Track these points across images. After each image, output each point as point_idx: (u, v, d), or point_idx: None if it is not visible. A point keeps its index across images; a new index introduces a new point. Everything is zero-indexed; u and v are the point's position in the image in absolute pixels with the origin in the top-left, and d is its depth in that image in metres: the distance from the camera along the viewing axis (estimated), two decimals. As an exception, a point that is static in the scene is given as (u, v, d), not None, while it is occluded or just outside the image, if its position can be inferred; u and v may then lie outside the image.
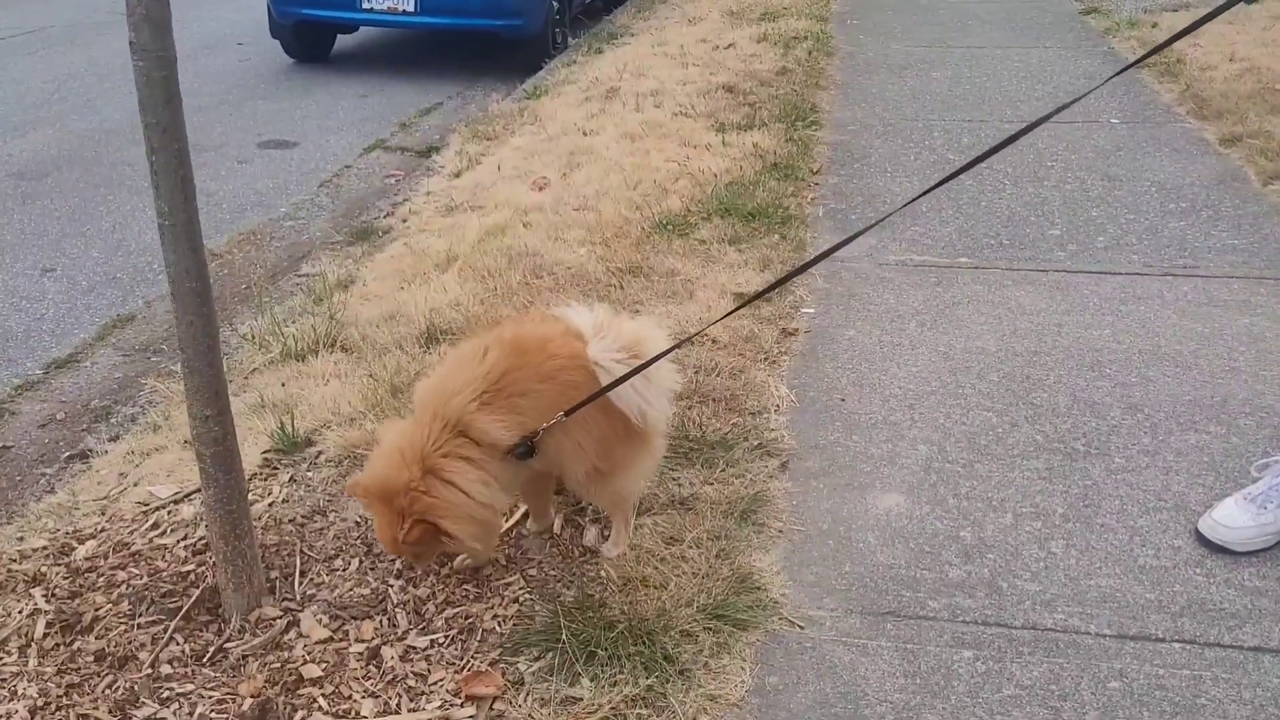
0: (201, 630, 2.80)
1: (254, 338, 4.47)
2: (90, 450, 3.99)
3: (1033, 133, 6.20)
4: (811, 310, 4.50)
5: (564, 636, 2.61)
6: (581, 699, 2.48)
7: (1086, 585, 2.86)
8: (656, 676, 2.52)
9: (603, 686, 2.50)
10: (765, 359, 4.06)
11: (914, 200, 2.79)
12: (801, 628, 2.74)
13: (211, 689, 2.59)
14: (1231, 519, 2.96)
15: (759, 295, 3.34)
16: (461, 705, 2.49)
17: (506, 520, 3.15)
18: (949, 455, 3.47)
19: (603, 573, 2.91)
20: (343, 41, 10.78)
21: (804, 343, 4.24)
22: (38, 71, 9.63)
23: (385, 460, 2.65)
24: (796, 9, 10.69)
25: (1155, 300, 4.48)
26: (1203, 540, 2.99)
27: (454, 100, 9.19)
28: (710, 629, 2.69)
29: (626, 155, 6.52)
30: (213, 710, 2.52)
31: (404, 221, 6.01)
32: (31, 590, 3.00)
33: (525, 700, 2.50)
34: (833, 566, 2.97)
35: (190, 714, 2.51)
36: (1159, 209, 5.49)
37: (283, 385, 3.96)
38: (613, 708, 2.44)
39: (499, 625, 2.74)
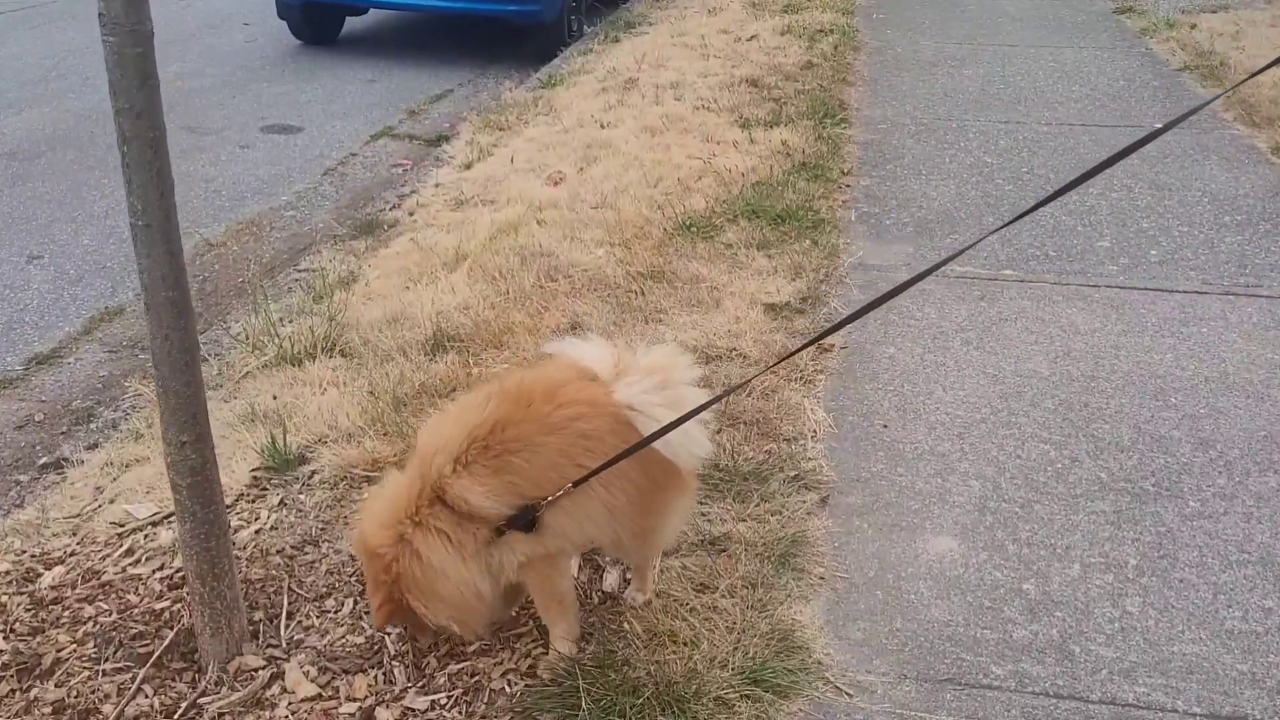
0: (174, 680, 2.49)
1: (248, 339, 4.16)
2: (66, 459, 3.68)
3: (1074, 137, 5.88)
4: (845, 316, 4.17)
5: (583, 703, 2.30)
6: (602, 781, 2.17)
7: (1169, 652, 2.55)
8: (689, 757, 2.20)
9: (627, 766, 2.19)
10: (800, 378, 3.74)
11: (987, 234, 2.42)
12: (850, 695, 2.43)
13: (182, 753, 2.28)
14: None
15: (812, 342, 2.87)
16: (465, 782, 2.18)
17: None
18: (1005, 493, 3.15)
19: (625, 625, 2.59)
20: (351, 24, 10.43)
21: (840, 360, 3.93)
22: (36, 47, 9.31)
23: (376, 513, 2.35)
24: (820, 1, 10.33)
25: (1218, 322, 4.16)
26: None
27: (465, 88, 8.85)
28: (748, 696, 2.37)
29: (646, 150, 6.20)
30: (181, 782, 2.22)
31: (411, 215, 5.69)
32: (-10, 622, 2.70)
33: (538, 777, 2.19)
34: (882, 622, 2.66)
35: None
36: (1213, 221, 5.16)
37: (274, 398, 3.64)
38: (639, 792, 2.13)
39: (509, 685, 2.43)
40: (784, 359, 3.08)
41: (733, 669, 2.44)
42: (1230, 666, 2.50)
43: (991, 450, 3.37)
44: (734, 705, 2.35)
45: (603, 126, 6.72)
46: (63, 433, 3.97)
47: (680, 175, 5.69)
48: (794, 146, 6.13)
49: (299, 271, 5.13)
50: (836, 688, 2.44)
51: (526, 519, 2.23)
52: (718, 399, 2.35)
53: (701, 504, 3.02)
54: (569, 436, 2.24)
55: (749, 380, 2.78)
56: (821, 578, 2.80)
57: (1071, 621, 2.65)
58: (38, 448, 3.89)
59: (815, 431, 3.44)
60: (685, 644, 2.52)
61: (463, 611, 2.31)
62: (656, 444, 2.22)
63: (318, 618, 2.67)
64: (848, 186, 5.73)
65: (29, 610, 2.74)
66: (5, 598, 2.78)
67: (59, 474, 3.58)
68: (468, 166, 6.41)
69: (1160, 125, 2.01)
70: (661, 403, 2.26)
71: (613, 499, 2.30)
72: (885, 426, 3.50)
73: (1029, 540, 2.95)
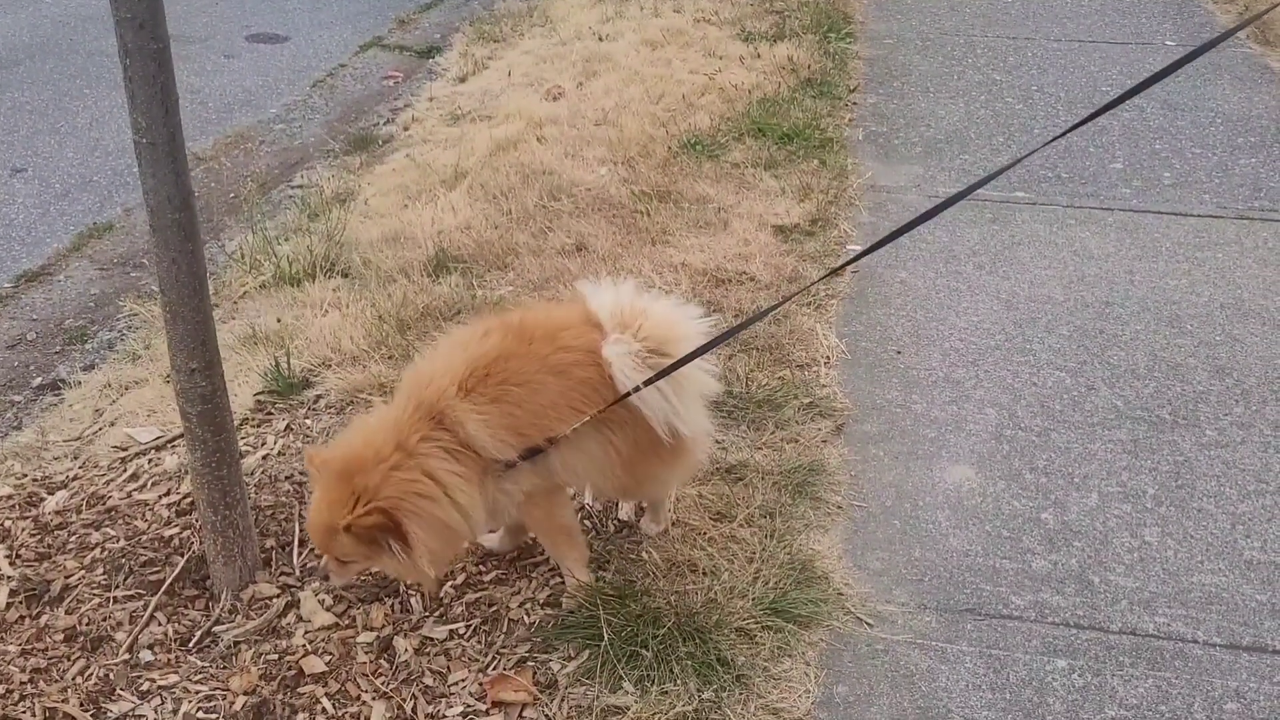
0: (187, 608, 2.45)
1: (244, 257, 4.06)
2: (62, 380, 3.60)
3: (1085, 55, 5.74)
4: (858, 247, 4.10)
5: (605, 633, 2.28)
6: (626, 709, 2.16)
7: (1188, 583, 2.54)
8: (713, 688, 2.19)
9: (650, 696, 2.17)
10: (811, 303, 3.68)
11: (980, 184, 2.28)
12: (870, 625, 2.41)
13: (198, 682, 2.25)
14: None
15: (825, 277, 2.78)
16: (487, 713, 2.17)
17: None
18: (1021, 421, 3.12)
19: (644, 554, 2.56)
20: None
21: (852, 284, 3.86)
22: (8, -52, 8.95)
23: (354, 436, 2.19)
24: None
25: (1233, 247, 4.10)
26: None
27: (457, -4, 8.57)
28: (769, 626, 2.36)
29: (647, 65, 6.03)
30: (199, 708, 2.19)
31: (405, 130, 5.54)
32: (-6, 547, 2.65)
33: (560, 707, 2.18)
34: (901, 551, 2.64)
35: (174, 712, 2.18)
36: (1226, 143, 5.07)
37: (279, 321, 3.55)
38: (663, 723, 2.12)
39: (527, 615, 2.41)
40: (780, 303, 2.95)
41: (753, 599, 2.41)
42: (1250, 597, 2.50)
43: (1007, 377, 3.32)
44: (755, 635, 2.33)
45: (601, 39, 6.53)
46: (57, 352, 3.89)
47: (683, 91, 5.54)
48: (799, 62, 5.97)
49: (292, 188, 5.00)
50: (857, 618, 2.43)
51: (534, 452, 2.17)
52: (693, 356, 2.21)
53: (717, 431, 2.96)
54: (569, 381, 2.19)
55: (746, 323, 2.58)
56: (839, 506, 2.77)
57: (1090, 551, 2.63)
58: (31, 368, 3.81)
59: (829, 358, 3.39)
60: (705, 574, 2.49)
61: (449, 546, 2.20)
62: (637, 402, 2.19)
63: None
64: (855, 104, 5.60)
65: (34, 536, 2.69)
66: (10, 522, 2.73)
67: (56, 395, 3.51)
68: (462, 80, 6.24)
69: (1171, 43, 1.90)
70: (640, 363, 2.18)
71: (615, 445, 2.25)
72: (899, 352, 3.45)
73: (1046, 469, 2.92)
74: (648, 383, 2.17)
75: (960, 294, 3.80)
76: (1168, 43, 6.53)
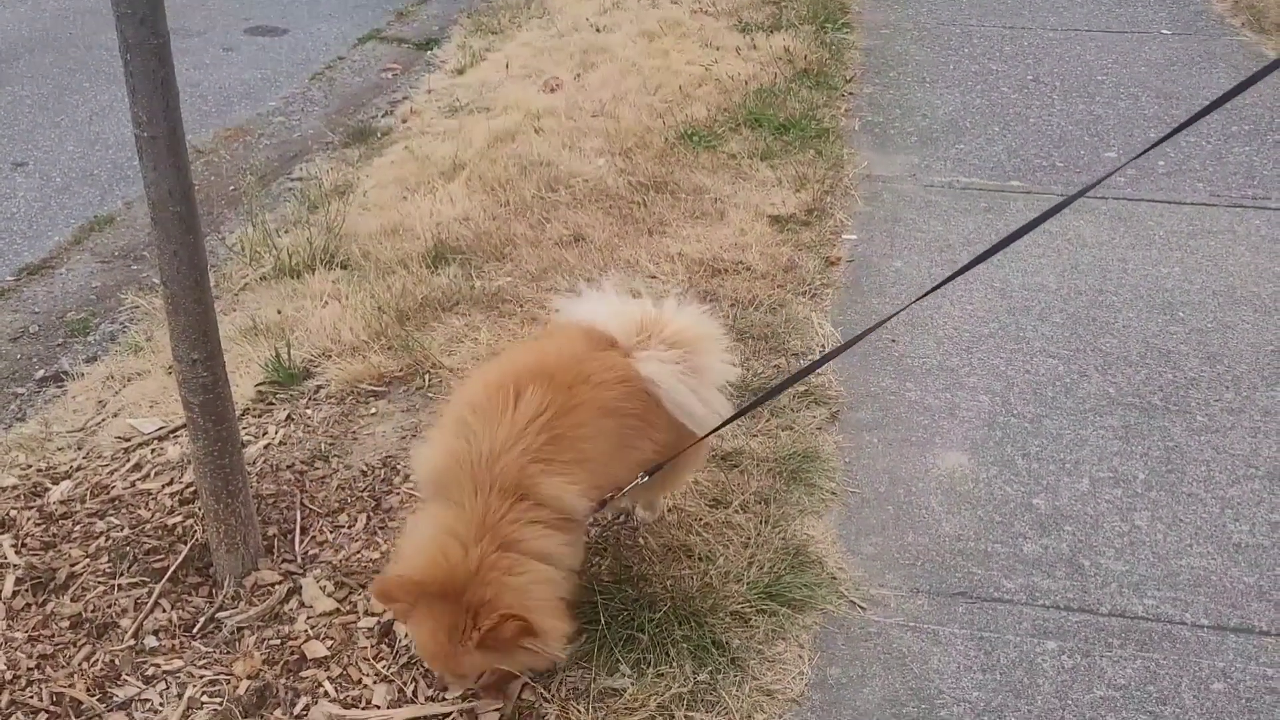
0: (190, 595, 2.49)
1: (244, 250, 4.09)
2: (65, 372, 3.64)
3: (1081, 44, 5.74)
4: (854, 236, 4.13)
5: (601, 618, 2.31)
6: (623, 692, 2.20)
7: (1177, 566, 2.58)
8: (708, 670, 2.22)
9: (647, 679, 2.21)
10: (807, 291, 3.71)
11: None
12: (863, 609, 2.45)
13: (203, 667, 2.29)
14: None
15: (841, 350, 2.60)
16: (486, 695, 2.20)
17: None
18: (1014, 408, 3.15)
19: (641, 540, 2.60)
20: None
21: (847, 273, 3.89)
22: (6, -57, 8.96)
23: (426, 547, 2.00)
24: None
25: (1226, 235, 4.13)
26: None
27: (454, -12, 8.58)
28: (763, 610, 2.39)
29: (644, 56, 6.05)
30: (204, 693, 2.23)
31: (404, 122, 5.57)
32: (0, 538, 2.68)
33: (558, 689, 2.22)
34: (894, 537, 2.67)
35: (179, 696, 2.22)
36: (1221, 132, 5.09)
37: (279, 312, 3.59)
38: (659, 705, 2.15)
39: (526, 599, 2.44)
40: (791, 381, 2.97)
41: (747, 583, 2.45)
42: (1238, 579, 2.53)
43: (1000, 364, 3.36)
44: (750, 619, 2.37)
45: (598, 31, 6.54)
46: (59, 345, 3.92)
47: (680, 82, 5.56)
48: (795, 52, 5.99)
49: (292, 180, 5.03)
50: (850, 601, 2.47)
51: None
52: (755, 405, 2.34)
53: (712, 419, 3.02)
54: (623, 419, 2.14)
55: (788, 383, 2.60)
56: (833, 493, 2.81)
57: (1081, 535, 2.67)
58: (34, 360, 3.84)
59: (824, 346, 3.42)
60: (700, 559, 2.53)
61: (564, 610, 2.07)
62: (685, 419, 2.22)
63: (331, 533, 2.66)
64: (851, 94, 5.62)
65: (39, 525, 2.73)
66: (15, 512, 2.77)
67: (59, 387, 3.54)
68: (460, 72, 6.26)
69: (1167, 31, 1.92)
70: (683, 378, 2.18)
71: (655, 455, 2.25)
72: (893, 341, 3.49)
73: (1038, 455, 2.96)
74: (728, 421, 2.29)
75: (954, 282, 3.81)
76: (1163, 31, 6.55)
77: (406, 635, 2.34)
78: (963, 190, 4.54)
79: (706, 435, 2.30)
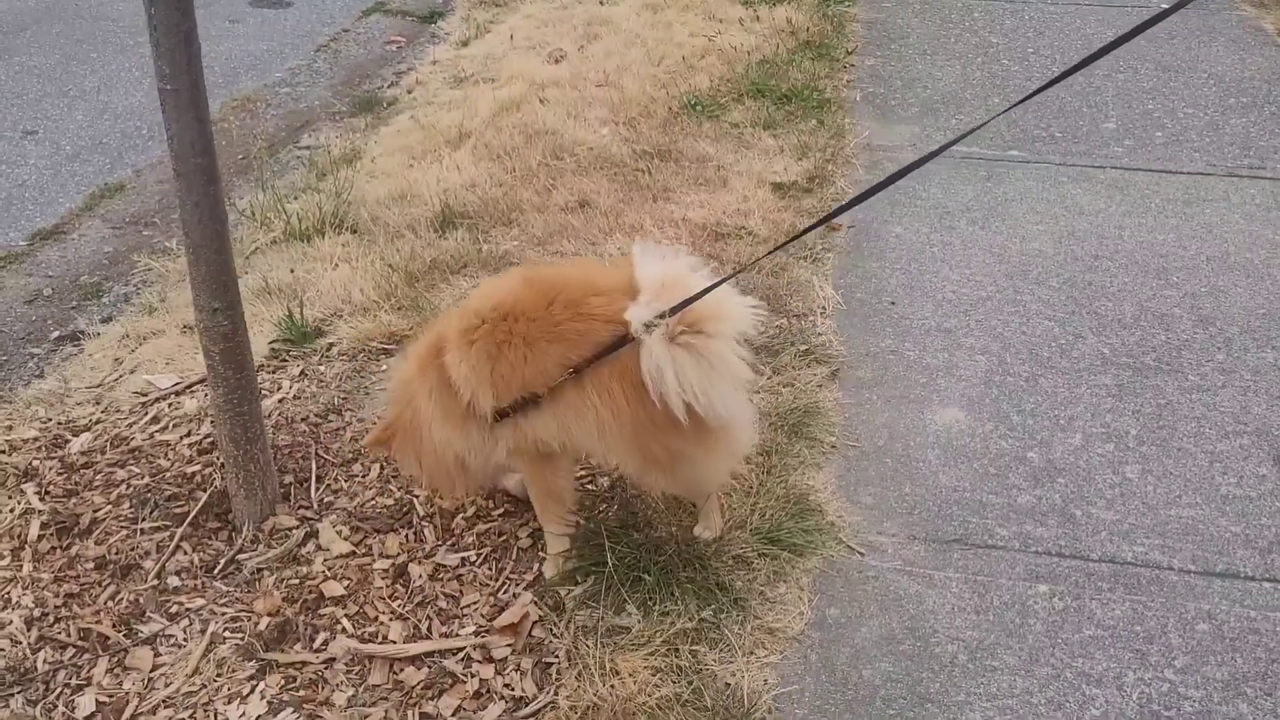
0: (210, 539, 2.57)
1: (255, 214, 4.15)
2: (81, 332, 3.71)
3: (1081, 18, 5.78)
4: (853, 198, 4.18)
5: (609, 560, 2.40)
6: (629, 629, 2.28)
7: (1166, 515, 2.66)
8: (712, 609, 2.31)
9: (653, 617, 2.29)
10: (808, 256, 3.78)
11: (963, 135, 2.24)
12: (862, 554, 2.53)
13: (224, 605, 2.38)
14: None
15: (823, 221, 2.54)
16: (498, 631, 2.29)
17: None
18: (1010, 368, 3.23)
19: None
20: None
21: (848, 239, 3.96)
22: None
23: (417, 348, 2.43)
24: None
25: (1221, 203, 4.19)
26: None
27: (458, -39, 8.60)
28: (765, 554, 2.48)
29: (648, 27, 6.10)
30: (226, 629, 2.32)
31: (410, 92, 5.62)
32: (23, 486, 2.77)
33: (568, 627, 2.30)
34: (892, 487, 2.76)
35: (202, 632, 2.31)
36: (1218, 104, 5.14)
37: (291, 272, 3.66)
38: (664, 640, 2.24)
39: (535, 543, 2.52)
40: (787, 241, 2.95)
41: (750, 529, 2.53)
42: (1224, 528, 2.62)
43: (997, 326, 3.43)
44: (752, 563, 2.46)
45: (602, 3, 6.58)
46: (73, 307, 3.98)
47: (683, 53, 5.61)
48: (798, 24, 6.04)
49: (300, 149, 5.09)
50: (849, 547, 2.55)
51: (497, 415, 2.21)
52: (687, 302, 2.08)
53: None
54: (576, 347, 2.13)
55: (745, 267, 2.57)
56: (833, 446, 2.88)
57: (1073, 487, 2.75)
58: (49, 322, 3.91)
59: (825, 308, 3.49)
60: (705, 506, 2.61)
61: (435, 471, 2.38)
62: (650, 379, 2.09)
63: (345, 481, 2.74)
64: (852, 66, 5.67)
65: (61, 474, 2.81)
66: (37, 462, 2.85)
67: (75, 346, 3.61)
68: (465, 44, 6.31)
69: (1167, 5, 1.95)
70: (663, 344, 2.06)
71: (603, 417, 2.14)
72: (893, 303, 3.56)
73: (1033, 412, 3.03)
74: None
75: (953, 248, 3.90)
76: (1163, 5, 6.59)
77: (420, 574, 2.42)
78: (962, 160, 4.60)
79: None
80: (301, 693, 2.16)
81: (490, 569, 2.46)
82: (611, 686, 2.15)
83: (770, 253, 3.01)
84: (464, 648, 2.25)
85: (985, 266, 3.78)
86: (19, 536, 2.59)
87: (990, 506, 2.69)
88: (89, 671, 2.23)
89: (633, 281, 2.14)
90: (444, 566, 2.46)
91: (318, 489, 2.71)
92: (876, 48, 5.97)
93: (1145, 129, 4.88)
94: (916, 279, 3.71)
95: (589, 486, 2.72)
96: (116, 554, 2.52)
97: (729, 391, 2.14)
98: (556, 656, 2.23)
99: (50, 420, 3.07)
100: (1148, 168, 4.51)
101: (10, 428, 3.05)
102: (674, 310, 2.06)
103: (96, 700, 2.17)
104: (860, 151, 4.66)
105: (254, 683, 2.19)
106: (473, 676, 2.18)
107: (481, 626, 2.30)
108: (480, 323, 2.18)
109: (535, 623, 2.30)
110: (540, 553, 2.51)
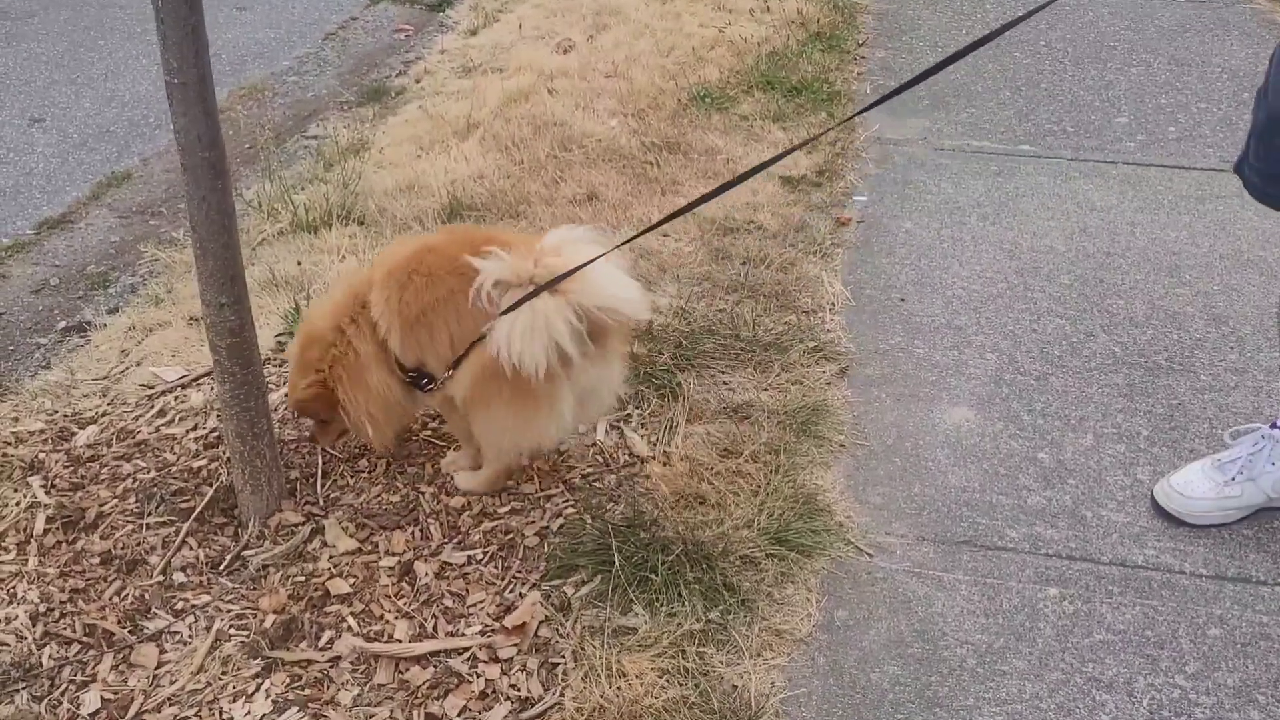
0: (216, 534, 2.56)
1: (262, 205, 4.14)
2: (87, 323, 3.70)
3: (1093, 9, 5.72)
4: (864, 198, 4.17)
5: (616, 559, 2.38)
6: (636, 630, 2.27)
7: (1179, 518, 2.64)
8: (719, 610, 2.30)
9: (660, 618, 2.28)
10: (817, 251, 3.75)
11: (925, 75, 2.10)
12: (870, 555, 2.52)
13: (230, 601, 2.37)
14: (1191, 487, 2.60)
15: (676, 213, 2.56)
16: (506, 631, 2.28)
17: None
18: (1020, 366, 3.21)
19: (652, 485, 2.67)
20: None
21: (858, 234, 3.93)
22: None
23: (324, 306, 2.59)
24: None
25: (1234, 199, 4.15)
26: (1156, 506, 2.65)
27: (466, -51, 8.56)
28: (773, 554, 2.46)
29: (657, 18, 6.07)
30: (231, 625, 2.31)
31: (418, 82, 5.60)
32: (29, 479, 2.76)
33: (574, 627, 2.29)
34: (900, 487, 2.74)
35: (207, 629, 2.30)
36: (1232, 98, 5.10)
37: (299, 264, 3.64)
38: (671, 641, 2.23)
39: (542, 542, 2.51)
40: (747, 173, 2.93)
41: (758, 529, 2.52)
42: (1236, 531, 2.59)
43: (1008, 324, 3.41)
44: (760, 563, 2.44)
45: (611, -8, 6.54)
46: (80, 297, 3.97)
47: (693, 44, 5.58)
48: (808, 16, 6.00)
49: (307, 138, 5.07)
50: (857, 548, 2.53)
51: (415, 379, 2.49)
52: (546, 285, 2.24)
53: (724, 373, 3.08)
54: (468, 282, 2.28)
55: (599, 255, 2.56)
56: (842, 445, 2.87)
57: (1084, 488, 2.73)
58: (56, 311, 3.90)
59: (833, 304, 3.47)
60: (712, 505, 2.60)
61: (382, 409, 2.50)
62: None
63: (351, 478, 2.73)
64: (863, 58, 5.64)
65: (67, 467, 2.80)
66: (43, 455, 2.84)
67: (82, 337, 3.60)
68: (473, 33, 6.28)
69: None
70: (498, 291, 2.26)
71: (454, 335, 2.38)
72: (903, 300, 3.53)
73: (1044, 411, 3.01)
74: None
75: (964, 244, 3.88)
76: (1176, -2, 6.53)
77: (426, 572, 2.41)
78: (973, 154, 4.57)
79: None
80: (307, 691, 2.15)
81: (496, 567, 2.45)
82: (618, 688, 2.13)
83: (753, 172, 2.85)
84: (470, 647, 2.24)
85: (996, 263, 3.75)
86: (25, 530, 2.58)
87: (1000, 507, 2.67)
88: (94, 668, 2.23)
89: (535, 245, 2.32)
90: (450, 564, 2.45)
91: (324, 484, 2.70)
92: (887, 39, 5.93)
93: (1158, 124, 4.85)
94: (926, 275, 3.68)
95: (596, 485, 2.70)
96: (122, 549, 2.51)
97: (539, 354, 2.18)
98: (563, 657, 2.22)
99: (56, 412, 3.06)
100: (1160, 163, 4.47)
101: (16, 419, 3.04)
102: (552, 282, 2.19)
103: (101, 697, 2.16)
104: (870, 145, 4.63)
105: (259, 681, 2.18)
106: (479, 676, 2.17)
107: (487, 626, 2.29)
108: (402, 265, 2.40)
109: (541, 622, 2.29)
110: (546, 549, 2.49)
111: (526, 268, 2.22)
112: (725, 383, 3.04)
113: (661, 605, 2.32)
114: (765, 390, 3.02)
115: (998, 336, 3.35)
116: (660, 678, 2.16)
